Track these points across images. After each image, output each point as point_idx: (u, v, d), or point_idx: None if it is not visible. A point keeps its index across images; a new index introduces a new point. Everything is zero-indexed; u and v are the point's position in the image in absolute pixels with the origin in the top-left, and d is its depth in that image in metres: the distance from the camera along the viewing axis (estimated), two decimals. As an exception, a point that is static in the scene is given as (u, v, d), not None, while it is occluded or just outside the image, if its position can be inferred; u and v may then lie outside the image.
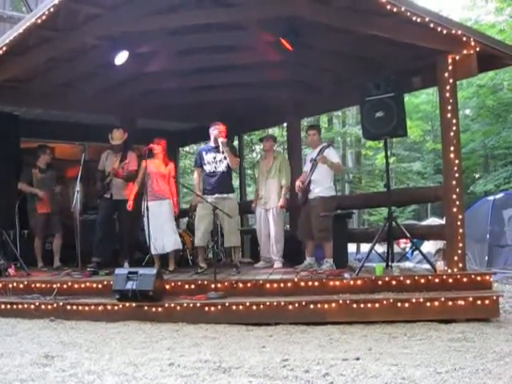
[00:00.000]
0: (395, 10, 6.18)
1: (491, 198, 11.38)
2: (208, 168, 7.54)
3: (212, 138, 7.58)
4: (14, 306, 6.60)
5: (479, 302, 5.78)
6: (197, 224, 7.57)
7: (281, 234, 8.03)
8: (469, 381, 3.75)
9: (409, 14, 6.22)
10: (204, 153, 7.64)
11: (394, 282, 6.23)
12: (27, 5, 12.06)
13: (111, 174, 7.84)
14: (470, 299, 5.78)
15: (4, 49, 7.07)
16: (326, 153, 7.17)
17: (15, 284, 7.04)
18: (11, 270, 7.60)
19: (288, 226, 10.26)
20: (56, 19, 6.95)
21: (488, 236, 10.18)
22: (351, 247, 10.77)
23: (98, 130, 8.62)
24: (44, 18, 6.78)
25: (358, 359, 4.40)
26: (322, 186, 7.22)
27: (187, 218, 9.47)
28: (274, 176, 8.01)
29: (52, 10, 6.70)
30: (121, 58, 7.71)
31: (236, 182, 11.26)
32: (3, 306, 6.62)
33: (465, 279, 6.23)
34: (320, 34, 7.61)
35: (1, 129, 7.78)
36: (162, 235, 7.54)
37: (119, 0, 7.04)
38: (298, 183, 7.49)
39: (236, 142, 8.61)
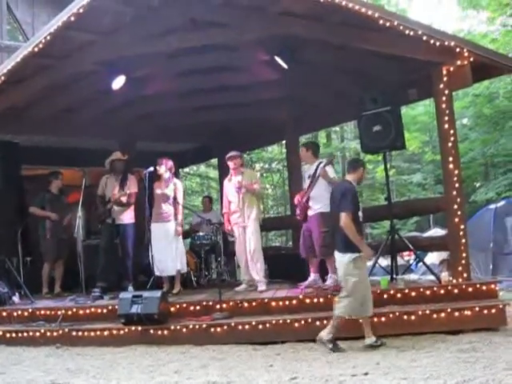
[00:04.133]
0: (388, 24, 6.24)
1: (493, 206, 11.36)
2: None
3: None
4: (20, 334, 6.57)
5: (486, 312, 5.76)
6: None
7: (260, 250, 7.56)
8: (479, 392, 3.73)
9: (402, 27, 6.27)
10: None
11: (399, 295, 6.22)
12: (24, 34, 12.17)
13: (112, 202, 7.85)
14: (477, 309, 5.77)
15: (2, 78, 7.13)
16: (327, 168, 7.18)
17: (20, 312, 7.02)
18: (15, 298, 7.59)
19: (291, 243, 10.24)
20: (52, 47, 7.01)
21: (491, 244, 10.15)
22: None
23: (98, 155, 8.64)
24: (41, 46, 6.85)
25: (366, 374, 4.38)
26: (321, 202, 7.17)
27: (190, 239, 9.45)
28: (247, 192, 7.58)
29: (48, 38, 6.78)
30: (118, 82, 7.77)
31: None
32: (8, 335, 6.59)
33: (470, 289, 6.21)
34: (315, 51, 7.68)
35: (2, 157, 7.80)
36: (166, 257, 7.54)
37: (114, 25, 7.12)
38: (297, 198, 7.50)
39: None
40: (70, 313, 6.86)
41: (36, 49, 6.87)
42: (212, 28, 7.32)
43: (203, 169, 23.32)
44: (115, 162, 8.03)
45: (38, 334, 6.50)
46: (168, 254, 7.56)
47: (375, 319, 5.80)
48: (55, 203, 8.50)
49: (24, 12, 12.39)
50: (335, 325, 5.46)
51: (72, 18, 6.58)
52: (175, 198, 7.71)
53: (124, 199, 7.86)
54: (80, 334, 6.42)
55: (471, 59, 6.40)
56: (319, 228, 7.09)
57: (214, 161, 15.43)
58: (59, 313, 6.81)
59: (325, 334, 5.45)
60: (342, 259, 5.56)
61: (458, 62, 6.46)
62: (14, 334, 6.58)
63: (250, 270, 7.44)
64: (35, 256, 8.98)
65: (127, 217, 7.97)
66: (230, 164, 7.58)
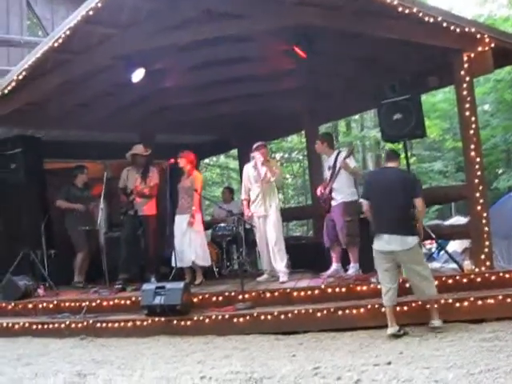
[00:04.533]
0: (407, 11, 6.18)
1: (516, 193, 11.23)
2: None
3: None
4: (45, 326, 6.68)
5: (509, 300, 5.68)
6: None
7: (282, 241, 7.50)
8: (503, 381, 3.72)
9: (421, 14, 6.21)
10: None
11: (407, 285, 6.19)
12: (43, 29, 12.27)
13: (134, 193, 7.92)
14: (500, 298, 5.70)
15: (24, 74, 7.23)
16: (348, 160, 7.16)
17: (45, 304, 7.16)
18: (40, 291, 7.71)
19: (311, 233, 10.23)
20: (71, 42, 7.08)
21: (515, 232, 10.02)
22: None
23: (118, 148, 8.71)
24: (60, 41, 6.92)
25: (389, 364, 4.38)
26: (344, 192, 7.19)
27: (211, 230, 9.49)
28: (270, 181, 7.52)
29: (68, 32, 6.85)
30: (137, 75, 7.81)
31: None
32: (34, 327, 6.71)
33: (493, 277, 6.16)
34: (332, 40, 7.63)
35: (24, 152, 7.90)
36: (188, 248, 7.59)
37: (131, 19, 7.15)
38: (319, 189, 7.50)
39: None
40: (93, 304, 6.96)
41: (56, 44, 6.94)
42: (227, 19, 7.31)
43: (223, 159, 23.36)
44: (137, 156, 8.09)
45: (63, 325, 6.60)
46: (184, 245, 7.64)
47: (397, 308, 5.78)
48: (80, 197, 8.60)
49: (43, 7, 12.48)
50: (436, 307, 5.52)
51: (91, 13, 6.64)
52: (195, 190, 7.75)
53: (146, 191, 7.93)
54: (104, 325, 6.51)
55: (492, 45, 6.31)
56: (343, 217, 7.09)
57: (234, 151, 15.45)
58: (83, 305, 6.92)
59: (436, 321, 5.44)
60: (413, 241, 5.53)
61: (479, 48, 6.37)
62: (39, 326, 6.70)
63: (272, 261, 7.41)
64: (59, 248, 9.10)
65: (149, 208, 8.04)
66: (257, 154, 7.55)
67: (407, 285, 6.13)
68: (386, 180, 5.79)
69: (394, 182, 5.71)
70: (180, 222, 7.69)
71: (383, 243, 5.59)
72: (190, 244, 7.71)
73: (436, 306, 5.54)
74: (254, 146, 7.55)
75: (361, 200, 5.74)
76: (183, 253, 7.63)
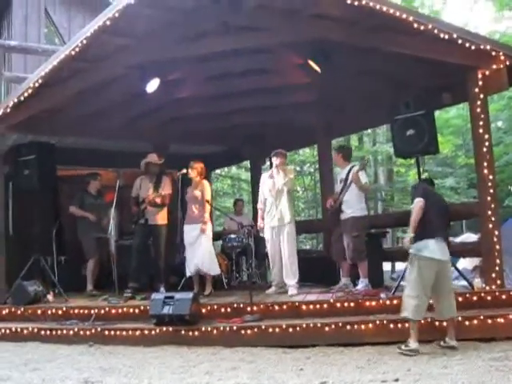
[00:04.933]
0: (422, 28, 6.21)
1: (528, 211, 11.15)
2: None
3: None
4: (54, 332, 6.71)
5: (519, 320, 5.66)
6: None
7: (294, 254, 7.47)
8: (512, 401, 3.68)
9: (436, 31, 6.23)
10: None
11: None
12: (61, 37, 12.41)
13: (146, 202, 7.96)
14: (510, 316, 5.67)
15: (40, 81, 7.31)
16: (360, 173, 7.16)
17: (54, 310, 7.19)
18: (50, 297, 7.75)
19: (321, 247, 10.21)
20: (88, 50, 7.13)
21: (526, 251, 9.94)
22: (386, 266, 10.66)
23: (131, 156, 8.77)
24: (77, 49, 6.99)
25: (397, 380, 4.36)
26: (353, 206, 7.19)
27: (221, 241, 9.51)
28: (287, 191, 7.53)
29: (84, 41, 6.91)
30: (152, 85, 7.87)
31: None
32: (43, 332, 6.74)
33: (504, 296, 6.12)
34: (347, 54, 7.65)
35: (38, 158, 7.95)
36: (197, 258, 7.60)
37: (147, 29, 7.20)
38: (329, 201, 7.50)
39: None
40: (102, 312, 6.99)
41: (73, 52, 7.01)
42: (244, 32, 7.35)
43: (234, 170, 23.41)
44: (151, 165, 8.14)
45: (71, 332, 6.63)
46: (194, 254, 7.63)
47: (406, 325, 5.75)
48: (93, 204, 8.65)
49: (61, 16, 12.65)
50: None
51: (108, 22, 6.69)
52: (207, 201, 7.77)
53: (158, 200, 7.96)
54: (112, 333, 6.52)
55: (507, 63, 6.32)
56: (351, 232, 7.08)
57: (246, 162, 15.48)
58: (92, 312, 6.95)
59: (453, 341, 5.39)
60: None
61: (494, 66, 6.39)
62: (48, 332, 6.73)
63: (284, 275, 7.39)
64: (69, 255, 9.15)
65: (160, 218, 8.07)
66: (275, 160, 7.56)
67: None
68: (437, 195, 5.95)
69: (442, 200, 5.88)
70: (189, 231, 7.69)
71: (436, 250, 5.43)
72: (198, 251, 7.68)
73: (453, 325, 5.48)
74: (274, 151, 7.57)
75: (417, 199, 5.51)
76: (191, 261, 7.64)
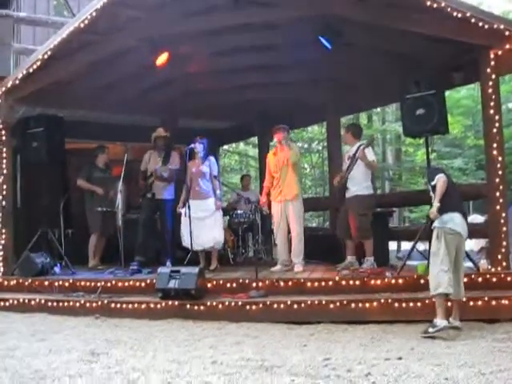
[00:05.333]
0: (435, 5, 6.12)
1: (536, 194, 11.09)
2: None
3: None
4: (61, 304, 6.78)
5: (524, 302, 5.67)
6: None
7: (302, 231, 7.48)
8: (514, 382, 3.70)
9: (449, 9, 6.14)
10: None
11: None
12: (70, 9, 12.31)
13: (154, 175, 7.97)
14: (515, 298, 5.68)
15: (49, 53, 7.29)
16: (366, 151, 7.13)
17: (61, 282, 7.25)
18: (57, 269, 7.83)
19: (328, 224, 10.22)
20: (97, 23, 7.10)
21: (533, 233, 9.92)
22: (392, 245, 10.67)
23: (140, 131, 8.78)
24: (86, 22, 6.96)
25: (400, 359, 4.38)
26: (359, 184, 7.17)
27: (228, 217, 9.53)
28: (292, 167, 7.53)
29: (94, 14, 6.87)
30: (162, 59, 7.82)
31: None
32: (50, 304, 6.81)
33: (509, 278, 6.11)
34: (358, 32, 7.56)
35: (46, 131, 7.96)
36: (204, 232, 7.61)
37: (158, 2, 7.15)
38: (336, 178, 7.48)
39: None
40: (108, 285, 7.05)
41: (82, 25, 6.98)
42: (255, 6, 7.27)
43: (242, 147, 23.37)
44: (157, 138, 8.14)
45: (78, 304, 6.69)
46: (203, 229, 7.62)
47: (411, 304, 5.78)
48: (101, 177, 8.67)
49: (70, -13, 12.51)
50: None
51: (118, -6, 6.65)
52: (215, 176, 7.77)
53: (166, 174, 7.97)
54: (118, 306, 6.58)
55: (521, 43, 6.24)
56: (356, 211, 7.07)
57: (254, 139, 15.45)
58: (98, 284, 7.00)
59: (456, 322, 5.30)
60: None
61: (507, 46, 6.29)
62: (55, 303, 6.79)
63: (291, 252, 7.42)
64: (77, 228, 9.20)
65: (168, 192, 8.10)
66: (277, 136, 7.55)
67: (422, 281, 6.13)
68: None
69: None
70: (198, 206, 7.62)
71: (459, 224, 5.36)
72: (215, 226, 7.73)
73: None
74: (275, 127, 7.55)
75: (440, 175, 5.42)
76: (205, 236, 7.62)
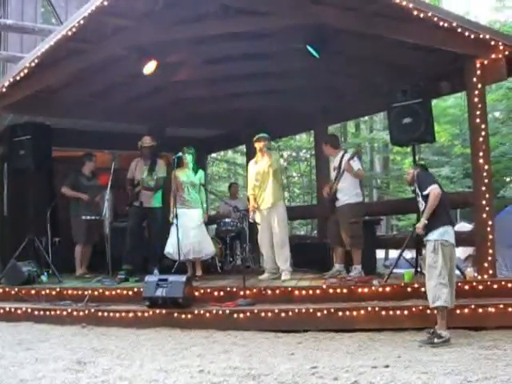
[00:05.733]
0: (422, 15, 6.18)
1: (522, 202, 11.19)
2: None
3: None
4: (47, 313, 6.72)
5: (510, 309, 5.68)
6: None
7: (286, 238, 7.45)
8: (500, 389, 3.72)
9: (436, 19, 6.20)
10: None
11: (423, 289, 6.15)
12: (57, 17, 12.30)
13: (140, 185, 7.96)
14: (501, 306, 5.71)
15: (36, 61, 7.27)
16: (351, 162, 7.16)
17: (48, 291, 7.18)
18: (44, 277, 7.76)
19: (315, 233, 10.24)
20: (85, 31, 7.11)
21: (520, 241, 9.99)
22: (379, 253, 10.71)
23: (128, 139, 8.75)
24: (74, 30, 6.95)
25: (387, 367, 4.38)
26: (348, 193, 7.20)
27: (216, 226, 9.53)
28: (273, 175, 7.48)
29: (81, 22, 6.87)
30: (149, 67, 7.83)
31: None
32: (36, 313, 6.75)
33: (495, 286, 6.16)
34: (346, 40, 7.63)
35: (34, 138, 7.92)
36: (191, 242, 7.60)
37: (146, 11, 7.18)
38: (325, 190, 7.50)
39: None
40: (96, 293, 7.00)
41: (69, 33, 6.98)
42: (243, 15, 7.33)
43: (230, 154, 23.38)
44: (143, 147, 8.12)
45: (64, 312, 6.64)
46: (189, 239, 7.62)
47: (398, 312, 5.80)
48: (87, 185, 8.62)
49: (58, -5, 12.52)
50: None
51: (105, 3, 6.65)
52: (203, 185, 7.77)
53: (152, 184, 7.96)
54: (105, 314, 6.53)
55: (506, 53, 6.29)
56: (348, 219, 7.10)
57: (242, 147, 15.46)
58: (85, 293, 6.95)
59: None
60: None
61: (493, 56, 6.35)
62: (41, 312, 6.74)
63: (276, 259, 7.39)
64: (64, 236, 9.14)
65: (155, 201, 8.08)
66: (257, 145, 7.56)
67: (409, 289, 6.16)
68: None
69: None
70: (184, 215, 7.64)
71: (452, 235, 5.40)
72: (204, 238, 7.80)
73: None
74: (256, 137, 7.56)
75: (434, 186, 5.38)
76: (191, 246, 7.62)
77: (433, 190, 5.38)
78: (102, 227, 8.17)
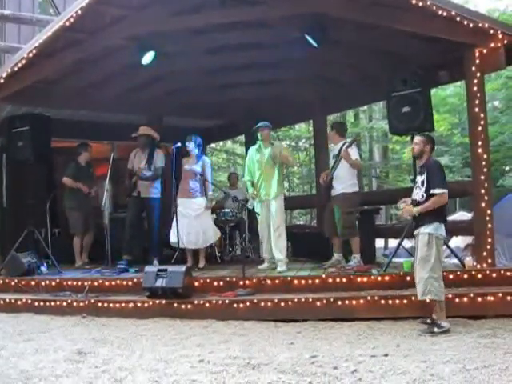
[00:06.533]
0: (421, 4, 6.15)
1: (521, 190, 11.20)
2: None
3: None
4: (47, 304, 6.74)
5: (509, 298, 5.71)
6: None
7: (283, 227, 7.39)
8: (498, 378, 3.74)
9: (434, 7, 6.18)
10: None
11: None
12: (55, 7, 12.24)
13: (136, 176, 7.95)
14: (500, 295, 5.73)
15: (34, 52, 7.25)
16: (349, 150, 7.15)
17: (48, 282, 7.20)
18: (43, 268, 7.78)
19: (315, 222, 10.25)
20: (83, 21, 7.08)
21: (519, 230, 10.00)
22: (379, 243, 10.72)
23: (126, 129, 8.71)
24: (72, 20, 6.93)
25: (386, 355, 4.41)
26: (344, 182, 7.17)
27: (215, 215, 9.53)
28: (273, 164, 7.44)
29: (79, 12, 6.85)
30: (147, 58, 7.80)
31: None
32: (37, 304, 6.77)
33: (494, 275, 6.18)
34: (345, 30, 7.59)
35: (32, 129, 7.90)
36: (193, 231, 7.61)
37: (145, 1, 7.14)
38: (322, 177, 7.49)
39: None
40: (95, 284, 7.02)
41: (67, 23, 6.96)
42: (241, 5, 7.29)
43: (230, 145, 23.35)
44: (139, 137, 8.10)
45: (64, 303, 6.66)
46: (195, 228, 7.64)
47: (397, 301, 5.82)
48: (82, 175, 8.60)
49: (56, -15, 12.44)
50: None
51: (103, -7, 6.62)
52: (202, 175, 7.75)
53: (147, 174, 7.94)
54: (105, 305, 6.56)
55: (505, 41, 6.27)
56: (341, 208, 7.09)
57: (241, 137, 15.44)
58: (85, 284, 6.97)
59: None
60: None
61: (492, 45, 6.34)
62: (41, 303, 6.76)
63: (273, 248, 7.38)
64: (63, 227, 9.15)
65: (154, 191, 8.07)
66: (261, 134, 7.52)
67: (408, 278, 6.17)
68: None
69: None
70: (186, 205, 7.66)
71: (444, 231, 5.44)
72: (205, 227, 7.77)
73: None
74: (257, 125, 7.53)
75: (445, 191, 5.28)
76: (193, 235, 7.63)
77: (443, 195, 5.31)
78: (102, 218, 8.17)
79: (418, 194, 5.48)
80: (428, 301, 5.36)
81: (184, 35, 7.92)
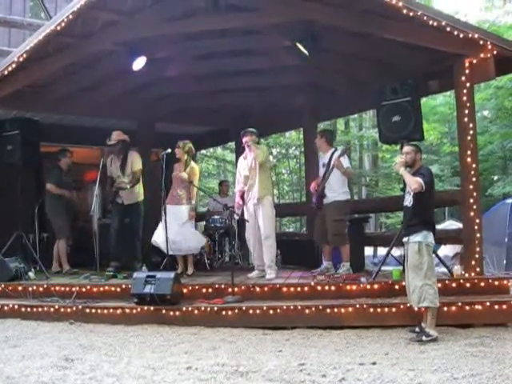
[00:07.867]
0: (411, 14, 6.18)
1: (510, 200, 11.24)
2: None
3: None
4: (34, 309, 6.69)
5: (497, 307, 5.74)
6: None
7: (272, 233, 7.35)
8: (486, 387, 3.75)
9: (425, 18, 6.21)
10: None
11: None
12: (46, 11, 12.21)
13: (114, 186, 7.93)
14: (488, 304, 5.75)
15: (24, 55, 7.21)
16: (341, 159, 7.17)
17: (35, 287, 7.14)
18: (31, 274, 7.71)
19: (304, 230, 10.25)
20: (74, 26, 7.06)
21: (506, 239, 10.06)
22: (368, 251, 10.74)
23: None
24: (63, 24, 6.90)
25: (374, 364, 4.41)
26: (336, 191, 7.20)
27: (204, 222, 9.52)
28: (260, 168, 7.39)
29: (71, 16, 6.83)
30: (138, 63, 7.79)
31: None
32: (23, 309, 6.71)
33: (482, 284, 6.21)
34: (336, 38, 7.63)
35: (22, 134, 7.87)
36: (180, 238, 7.58)
37: (136, 6, 7.14)
38: (313, 185, 7.50)
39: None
40: (83, 290, 6.97)
41: (59, 27, 6.93)
42: (233, 12, 7.30)
43: (220, 151, 23.34)
44: (115, 144, 8.02)
45: (52, 309, 6.61)
46: (181, 235, 7.59)
47: (386, 309, 5.83)
48: (66, 180, 8.56)
49: (47, -11, 12.41)
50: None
51: (95, -2, 6.61)
52: (191, 182, 7.72)
53: (123, 184, 7.91)
54: (93, 311, 6.52)
55: (495, 52, 6.31)
56: (333, 216, 7.11)
57: (231, 144, 15.44)
58: (73, 290, 6.93)
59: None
60: None
61: (481, 55, 6.38)
62: (29, 309, 6.70)
63: (263, 255, 7.34)
64: (51, 232, 9.10)
65: (133, 197, 8.03)
66: (244, 139, 7.49)
67: (396, 287, 6.18)
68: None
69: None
70: (173, 211, 7.61)
71: (433, 238, 5.49)
72: (189, 236, 7.72)
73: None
74: (243, 131, 7.52)
75: (423, 182, 5.33)
76: (180, 242, 7.58)
77: (421, 183, 5.33)
78: (91, 224, 8.12)
79: (407, 199, 5.54)
80: (423, 309, 5.39)
81: (175, 41, 7.94)
